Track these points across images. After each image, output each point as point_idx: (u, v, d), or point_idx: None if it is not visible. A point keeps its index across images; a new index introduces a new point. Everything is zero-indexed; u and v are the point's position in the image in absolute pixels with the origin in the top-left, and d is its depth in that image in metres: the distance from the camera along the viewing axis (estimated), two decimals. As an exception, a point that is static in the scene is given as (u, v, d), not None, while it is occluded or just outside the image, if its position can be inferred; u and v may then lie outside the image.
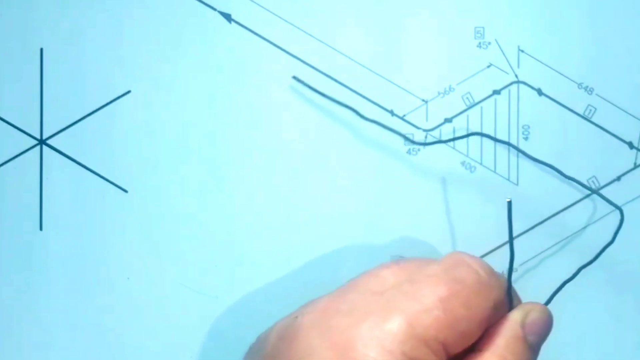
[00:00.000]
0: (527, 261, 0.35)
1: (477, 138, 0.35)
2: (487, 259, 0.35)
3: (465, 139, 0.35)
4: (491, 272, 0.28)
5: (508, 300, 0.28)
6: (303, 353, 0.25)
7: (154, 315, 0.33)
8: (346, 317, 0.26)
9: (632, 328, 0.35)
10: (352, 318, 0.26)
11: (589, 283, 0.35)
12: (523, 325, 0.28)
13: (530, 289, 0.35)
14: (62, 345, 0.34)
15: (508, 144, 0.34)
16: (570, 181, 0.35)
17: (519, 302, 0.30)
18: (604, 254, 0.35)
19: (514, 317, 0.28)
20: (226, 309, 0.35)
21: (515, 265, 0.35)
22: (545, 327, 0.28)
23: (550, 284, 0.35)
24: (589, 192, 0.35)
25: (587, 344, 0.35)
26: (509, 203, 0.27)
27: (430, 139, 0.35)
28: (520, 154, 0.35)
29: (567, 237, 0.35)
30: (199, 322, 0.35)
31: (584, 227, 0.35)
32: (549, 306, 0.30)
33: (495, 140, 0.34)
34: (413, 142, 0.33)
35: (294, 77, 0.34)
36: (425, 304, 0.26)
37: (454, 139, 0.34)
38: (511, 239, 0.28)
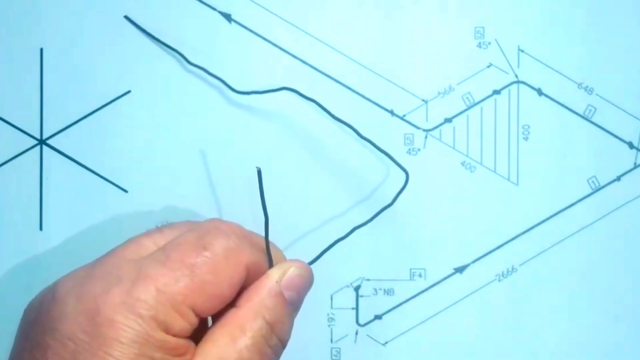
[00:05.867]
0: (527, 261, 0.35)
1: (476, 138, 0.35)
2: (487, 258, 0.35)
3: (465, 139, 0.35)
4: (244, 236, 0.29)
5: (268, 259, 0.29)
6: (57, 318, 0.26)
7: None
8: (99, 283, 0.27)
9: (632, 328, 0.35)
10: (105, 283, 0.26)
11: (588, 283, 0.35)
12: (279, 281, 0.29)
13: (531, 289, 0.35)
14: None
15: (314, 101, 0.34)
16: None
17: (283, 260, 0.31)
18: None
19: (272, 274, 0.29)
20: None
21: (516, 265, 0.35)
22: (303, 282, 0.30)
23: (550, 284, 0.35)
24: (590, 191, 0.35)
25: (587, 343, 0.35)
26: (259, 171, 0.29)
27: (429, 139, 0.35)
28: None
29: (567, 237, 0.35)
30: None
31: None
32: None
33: (304, 97, 0.34)
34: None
35: (125, 17, 0.34)
36: (173, 270, 0.27)
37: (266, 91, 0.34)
38: (264, 203, 0.29)
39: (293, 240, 0.35)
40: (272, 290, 0.28)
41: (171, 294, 0.26)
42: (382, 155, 0.34)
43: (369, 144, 0.34)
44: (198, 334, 0.28)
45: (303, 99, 0.34)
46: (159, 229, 0.30)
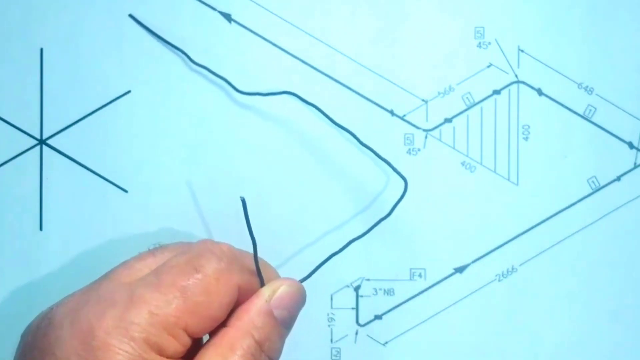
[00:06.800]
0: (527, 261, 0.35)
1: (476, 138, 0.35)
2: (487, 258, 0.35)
3: (465, 139, 0.35)
4: (234, 257, 0.29)
5: (259, 279, 0.30)
6: (54, 342, 0.27)
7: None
8: (94, 307, 0.27)
9: (631, 328, 0.35)
10: (99, 308, 0.27)
11: (588, 283, 0.35)
12: (269, 300, 0.29)
13: (531, 289, 0.35)
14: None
15: (315, 106, 0.34)
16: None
17: (276, 278, 0.31)
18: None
19: (262, 293, 0.29)
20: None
21: (516, 265, 0.35)
22: (294, 301, 0.30)
23: (550, 284, 0.35)
24: (590, 191, 0.35)
25: (587, 343, 0.35)
26: (243, 200, 0.29)
27: (429, 139, 0.35)
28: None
29: (567, 237, 0.35)
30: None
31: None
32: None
33: (305, 102, 0.34)
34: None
35: (130, 15, 0.34)
36: (166, 293, 0.27)
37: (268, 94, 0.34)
38: (250, 230, 0.29)
39: (291, 246, 0.35)
40: (261, 309, 0.29)
41: (164, 316, 0.27)
42: (377, 158, 0.34)
43: (364, 148, 0.34)
44: (193, 353, 0.28)
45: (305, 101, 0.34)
46: (152, 252, 0.30)
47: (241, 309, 0.29)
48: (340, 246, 0.32)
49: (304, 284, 0.31)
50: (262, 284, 0.30)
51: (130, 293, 0.27)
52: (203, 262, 0.28)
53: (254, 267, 0.30)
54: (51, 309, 0.28)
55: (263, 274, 0.30)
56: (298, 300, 0.30)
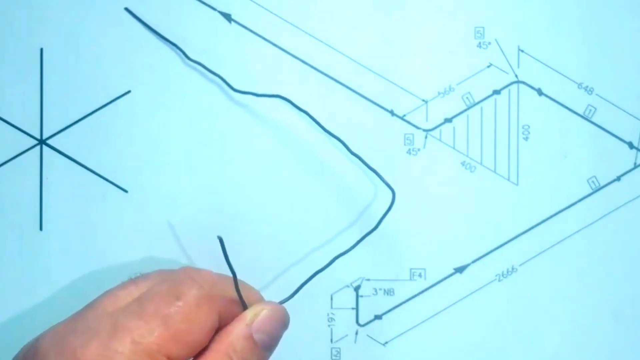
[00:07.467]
0: (527, 261, 0.35)
1: (476, 138, 0.35)
2: (487, 258, 0.35)
3: (465, 139, 0.35)
4: (214, 283, 0.30)
5: (241, 304, 0.30)
6: None
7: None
8: (79, 337, 0.27)
9: (631, 328, 0.35)
10: (83, 337, 0.27)
11: (588, 283, 0.35)
12: (250, 323, 0.29)
13: (531, 289, 0.35)
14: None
15: (306, 113, 0.34)
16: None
17: (259, 301, 0.31)
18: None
19: (244, 317, 0.30)
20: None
21: (516, 265, 0.35)
22: (275, 324, 0.30)
23: (550, 284, 0.35)
24: (590, 191, 0.35)
25: (587, 343, 0.35)
26: (221, 240, 0.29)
27: (429, 139, 0.35)
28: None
29: (567, 237, 0.35)
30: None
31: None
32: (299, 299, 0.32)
33: (298, 108, 0.34)
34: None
35: (126, 9, 0.34)
36: (148, 321, 0.28)
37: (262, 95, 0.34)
38: (230, 265, 0.29)
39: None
40: (240, 332, 0.29)
41: (147, 345, 0.27)
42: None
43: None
44: None
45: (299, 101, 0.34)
46: (134, 281, 0.30)
47: (222, 332, 0.29)
48: (328, 253, 0.32)
49: (287, 304, 0.31)
50: (245, 308, 0.30)
51: (114, 322, 0.28)
52: (184, 289, 0.29)
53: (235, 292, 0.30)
54: (37, 339, 0.29)
55: (246, 297, 0.30)
56: (279, 324, 0.30)
